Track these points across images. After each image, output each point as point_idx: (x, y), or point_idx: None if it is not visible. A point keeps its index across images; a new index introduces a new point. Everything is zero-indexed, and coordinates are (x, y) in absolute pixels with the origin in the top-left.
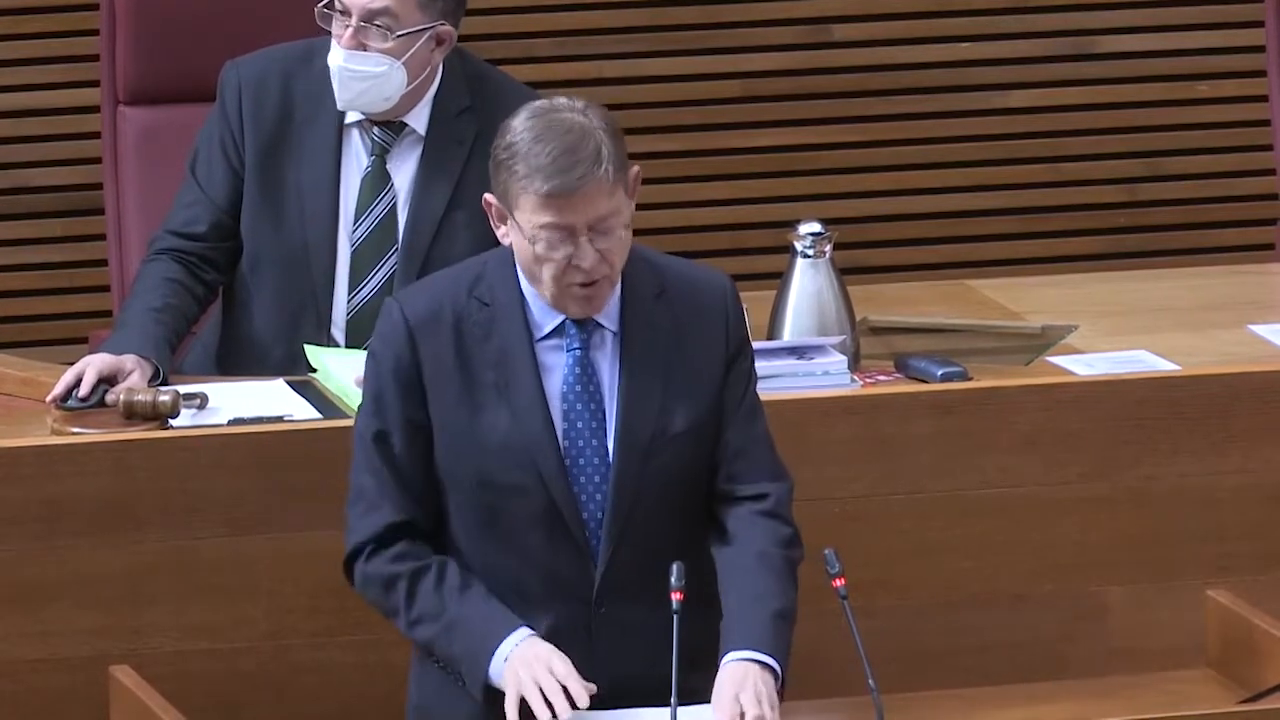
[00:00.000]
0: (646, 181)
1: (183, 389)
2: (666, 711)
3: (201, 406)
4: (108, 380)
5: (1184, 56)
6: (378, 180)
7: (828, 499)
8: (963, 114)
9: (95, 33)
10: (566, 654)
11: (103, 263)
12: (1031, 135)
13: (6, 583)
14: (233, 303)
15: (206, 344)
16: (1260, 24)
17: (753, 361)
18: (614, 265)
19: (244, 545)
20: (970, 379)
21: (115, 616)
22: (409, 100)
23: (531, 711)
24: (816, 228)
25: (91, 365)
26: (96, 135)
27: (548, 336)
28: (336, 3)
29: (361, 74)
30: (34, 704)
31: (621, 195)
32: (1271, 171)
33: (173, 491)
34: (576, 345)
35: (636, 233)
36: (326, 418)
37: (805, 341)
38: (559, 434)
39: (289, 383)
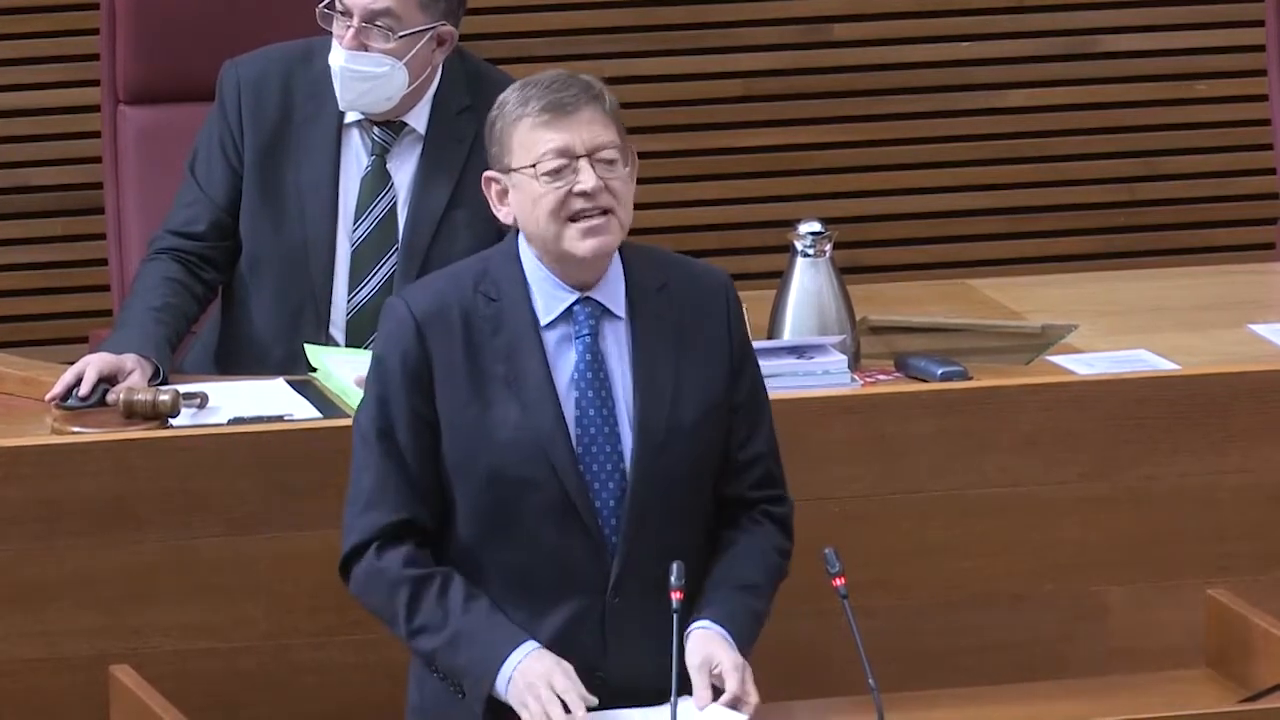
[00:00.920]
0: (644, 181)
1: (183, 388)
2: (664, 711)
3: (201, 406)
4: (108, 380)
5: (1181, 56)
6: (378, 180)
7: (828, 499)
8: (960, 113)
9: (95, 32)
10: (581, 647)
11: (102, 262)
12: (1029, 135)
13: (7, 582)
14: (232, 302)
15: (206, 343)
16: (1258, 24)
17: (757, 364)
18: (620, 202)
19: (244, 545)
20: (970, 378)
21: (115, 616)
22: (409, 100)
23: None
24: (817, 227)
25: (92, 365)
26: (96, 135)
27: (554, 324)
28: (337, 3)
29: (363, 74)
30: (34, 704)
31: (618, 138)
32: (1270, 171)
33: (173, 491)
34: (585, 332)
35: (635, 232)
36: (327, 417)
37: (805, 341)
38: (570, 424)
39: (289, 382)
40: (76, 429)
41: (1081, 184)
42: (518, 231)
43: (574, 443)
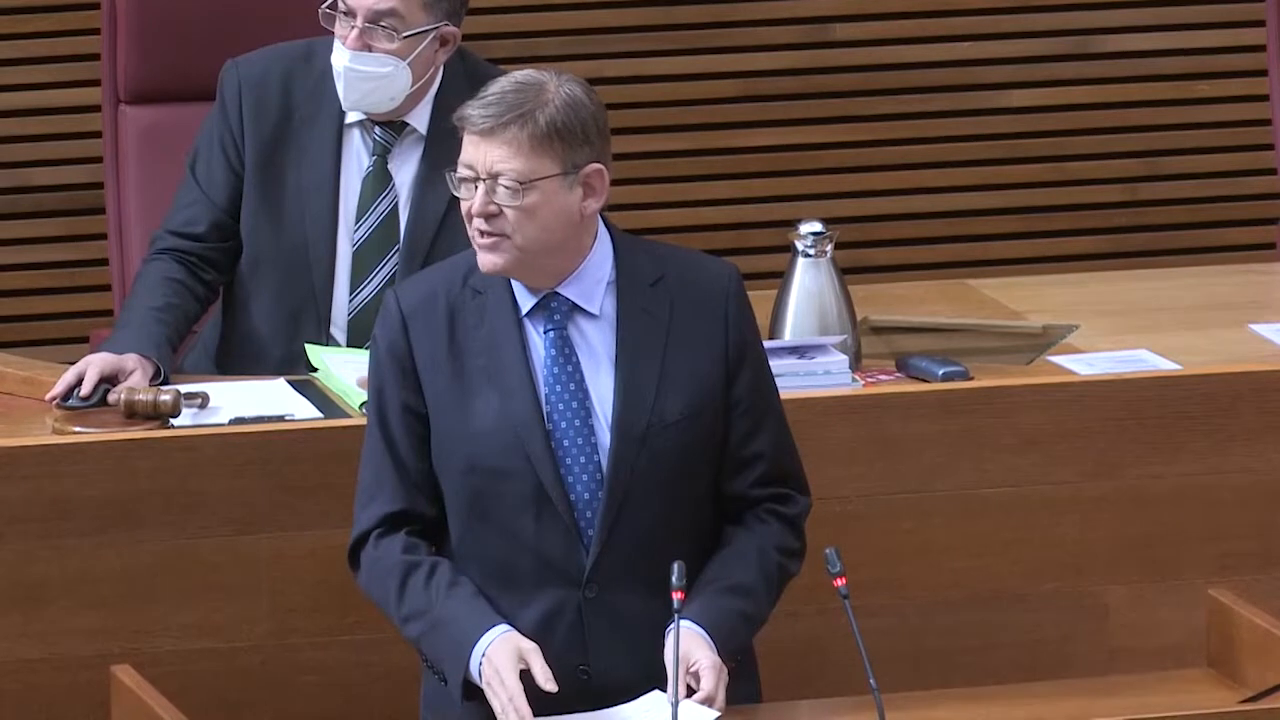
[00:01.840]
0: (648, 180)
1: (184, 388)
2: (653, 706)
3: (203, 406)
4: (109, 380)
5: (1185, 55)
6: (379, 180)
7: (829, 498)
8: (964, 113)
9: (96, 32)
10: (560, 639)
11: (104, 262)
12: (1032, 134)
13: (8, 582)
14: (232, 303)
15: (206, 344)
16: (1262, 24)
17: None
18: (516, 229)
19: (245, 544)
20: (971, 378)
21: (116, 616)
22: (411, 100)
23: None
24: (817, 227)
25: (93, 365)
26: (97, 134)
27: (534, 317)
28: (340, 4)
29: (367, 75)
30: (35, 704)
31: (545, 164)
32: (1273, 171)
33: (174, 491)
34: (552, 326)
35: (638, 231)
36: (328, 417)
37: (806, 341)
38: (544, 414)
39: (290, 382)
40: (77, 429)
41: (1084, 184)
42: None
43: (548, 433)
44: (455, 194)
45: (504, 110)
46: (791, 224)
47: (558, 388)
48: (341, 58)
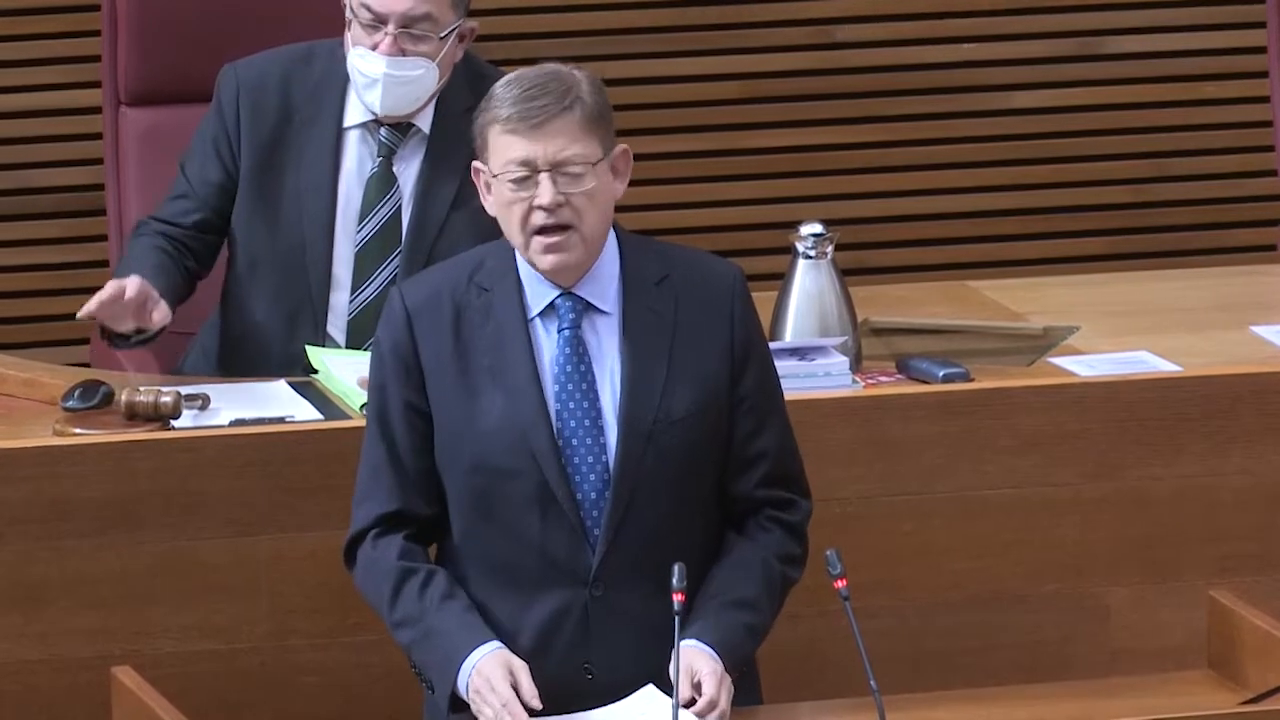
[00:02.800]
0: (651, 182)
1: (184, 390)
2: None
3: (203, 407)
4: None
5: (1190, 57)
6: (384, 181)
7: (829, 500)
8: (968, 115)
9: (96, 34)
10: (566, 638)
11: (104, 264)
12: (1037, 136)
13: (8, 583)
14: (230, 304)
15: (206, 346)
16: (1266, 25)
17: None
18: (582, 217)
19: (246, 546)
20: (972, 380)
21: (117, 617)
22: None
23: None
24: (818, 229)
25: (131, 284)
26: (98, 136)
27: (542, 316)
28: (365, 13)
29: (404, 79)
30: (35, 704)
31: (595, 147)
32: (1274, 173)
33: (174, 492)
34: (566, 325)
35: (639, 232)
36: (328, 418)
37: (807, 342)
38: (552, 414)
39: (290, 383)
40: (78, 430)
41: (1089, 186)
42: None
43: (555, 432)
44: (509, 190)
45: (550, 100)
46: (792, 225)
47: (569, 386)
48: (376, 65)
